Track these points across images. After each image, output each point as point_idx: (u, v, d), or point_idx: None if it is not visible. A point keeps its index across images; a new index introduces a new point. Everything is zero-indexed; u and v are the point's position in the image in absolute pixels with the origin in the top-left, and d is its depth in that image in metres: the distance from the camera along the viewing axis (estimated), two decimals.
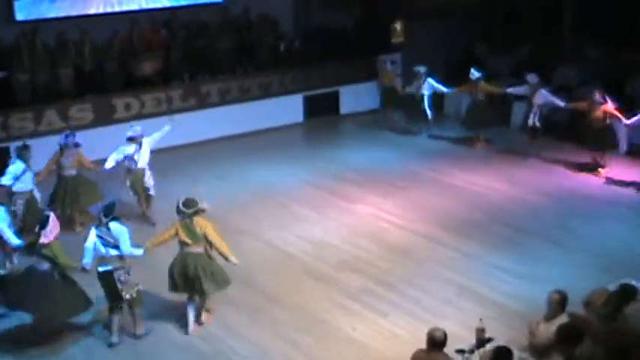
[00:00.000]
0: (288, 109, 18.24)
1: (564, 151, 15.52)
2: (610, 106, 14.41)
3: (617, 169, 14.65)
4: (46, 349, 9.40)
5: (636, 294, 7.98)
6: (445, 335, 7.04)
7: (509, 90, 16.10)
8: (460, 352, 7.73)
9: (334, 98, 19.01)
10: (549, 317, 7.71)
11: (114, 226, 9.31)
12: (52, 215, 9.62)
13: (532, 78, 15.43)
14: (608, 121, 14.43)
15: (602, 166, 14.61)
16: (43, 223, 9.40)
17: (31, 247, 9.58)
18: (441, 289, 10.48)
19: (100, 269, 9.31)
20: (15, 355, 9.34)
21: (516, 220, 12.63)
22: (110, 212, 9.42)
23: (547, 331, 7.58)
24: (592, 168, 14.65)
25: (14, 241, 10.01)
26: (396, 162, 15.61)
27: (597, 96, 14.46)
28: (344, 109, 19.11)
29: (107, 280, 9.29)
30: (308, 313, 9.98)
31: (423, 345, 7.14)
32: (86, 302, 9.52)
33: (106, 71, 16.66)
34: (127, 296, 9.30)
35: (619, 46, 17.43)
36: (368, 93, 19.04)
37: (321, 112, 18.70)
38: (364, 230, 12.46)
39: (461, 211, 13.07)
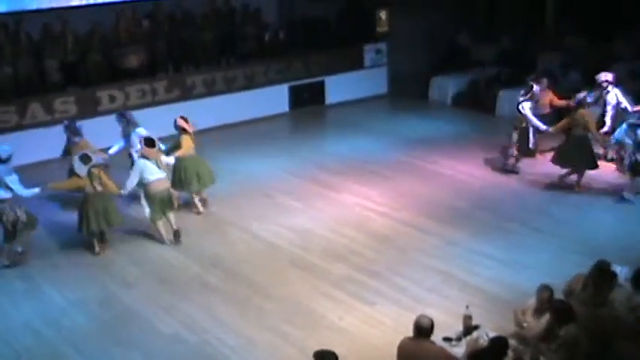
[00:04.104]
0: (274, 99, 18.24)
1: (546, 139, 15.54)
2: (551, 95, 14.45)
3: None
4: None
5: (610, 270, 8.06)
6: (432, 323, 7.05)
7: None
8: (447, 339, 7.81)
9: (320, 88, 19.02)
10: (538, 311, 7.79)
11: None
12: None
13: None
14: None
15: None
16: None
17: None
18: (426, 276, 10.52)
19: None
20: None
21: (499, 208, 12.70)
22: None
23: (537, 324, 7.68)
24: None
25: None
26: (381, 151, 15.64)
27: (544, 83, 14.42)
28: (329, 99, 19.14)
29: None
30: (294, 302, 10.01)
31: (410, 333, 7.15)
32: None
33: (90, 63, 16.58)
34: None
35: (601, 36, 17.51)
36: (353, 83, 19.10)
37: (307, 102, 18.73)
38: (349, 219, 12.49)
39: (445, 199, 13.13)
